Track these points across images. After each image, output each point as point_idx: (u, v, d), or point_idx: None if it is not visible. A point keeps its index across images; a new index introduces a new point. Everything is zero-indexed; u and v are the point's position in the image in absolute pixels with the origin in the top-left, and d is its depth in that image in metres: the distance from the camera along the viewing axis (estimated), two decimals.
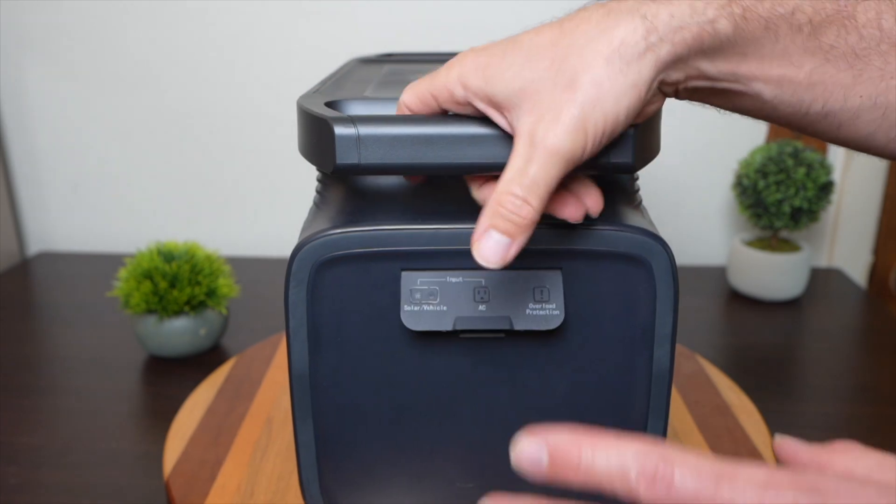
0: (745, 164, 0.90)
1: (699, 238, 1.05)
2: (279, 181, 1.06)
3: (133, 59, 1.01)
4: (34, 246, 1.11)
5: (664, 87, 0.35)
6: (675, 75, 0.34)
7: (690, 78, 0.34)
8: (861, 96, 0.35)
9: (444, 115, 0.37)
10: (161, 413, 0.65)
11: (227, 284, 0.75)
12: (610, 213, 0.41)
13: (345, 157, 0.36)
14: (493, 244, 0.33)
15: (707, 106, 0.38)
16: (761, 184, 0.87)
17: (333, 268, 0.40)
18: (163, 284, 0.71)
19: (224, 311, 0.76)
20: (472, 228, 0.35)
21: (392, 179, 0.45)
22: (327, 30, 0.98)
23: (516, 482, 0.44)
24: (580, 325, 0.41)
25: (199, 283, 0.73)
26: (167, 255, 0.73)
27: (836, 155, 1.01)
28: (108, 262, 1.01)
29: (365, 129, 0.36)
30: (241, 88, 1.02)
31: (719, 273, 0.99)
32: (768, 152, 0.88)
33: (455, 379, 0.42)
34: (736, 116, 0.39)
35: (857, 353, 0.80)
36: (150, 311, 0.73)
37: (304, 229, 0.42)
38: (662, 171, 1.01)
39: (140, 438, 0.63)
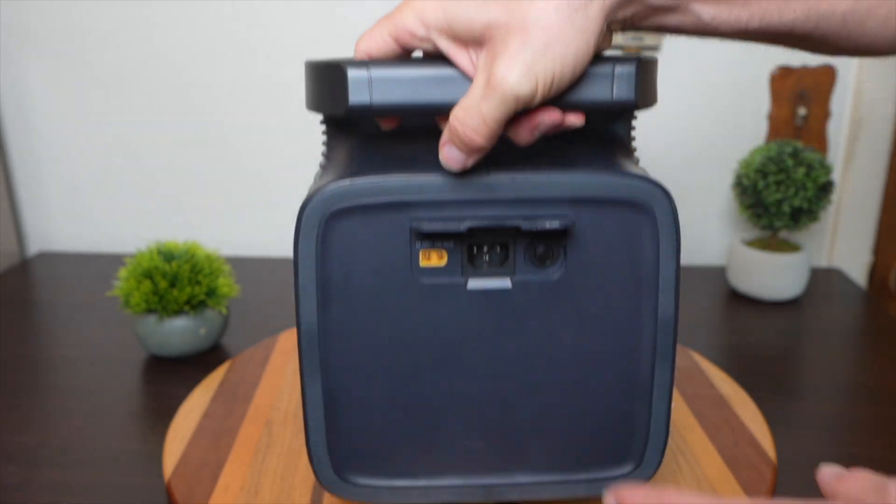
0: (745, 164, 0.90)
1: (699, 238, 1.06)
2: (279, 181, 1.06)
3: (133, 59, 1.01)
4: (34, 246, 1.11)
5: (614, 26, 0.37)
6: (624, 13, 0.36)
7: (638, 13, 0.36)
8: (795, 10, 0.37)
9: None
10: (161, 413, 0.65)
11: (227, 284, 0.75)
12: (611, 162, 0.42)
13: (358, 97, 0.37)
14: (453, 155, 0.37)
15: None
16: (761, 184, 0.87)
17: (343, 220, 0.39)
18: (163, 284, 0.71)
19: (224, 311, 0.76)
20: (483, 176, 0.38)
21: (397, 133, 0.45)
22: (325, 31, 0.99)
23: (525, 439, 0.44)
24: (585, 272, 0.41)
25: (199, 283, 0.73)
26: (167, 254, 0.73)
27: (837, 155, 1.01)
28: (108, 262, 1.01)
29: (377, 71, 0.37)
30: (239, 89, 1.02)
31: (719, 273, 0.99)
32: (768, 152, 0.88)
33: (464, 331, 0.42)
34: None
35: (857, 353, 0.80)
36: (150, 311, 0.73)
37: (312, 187, 0.42)
38: (662, 171, 1.01)
39: (140, 438, 0.63)
